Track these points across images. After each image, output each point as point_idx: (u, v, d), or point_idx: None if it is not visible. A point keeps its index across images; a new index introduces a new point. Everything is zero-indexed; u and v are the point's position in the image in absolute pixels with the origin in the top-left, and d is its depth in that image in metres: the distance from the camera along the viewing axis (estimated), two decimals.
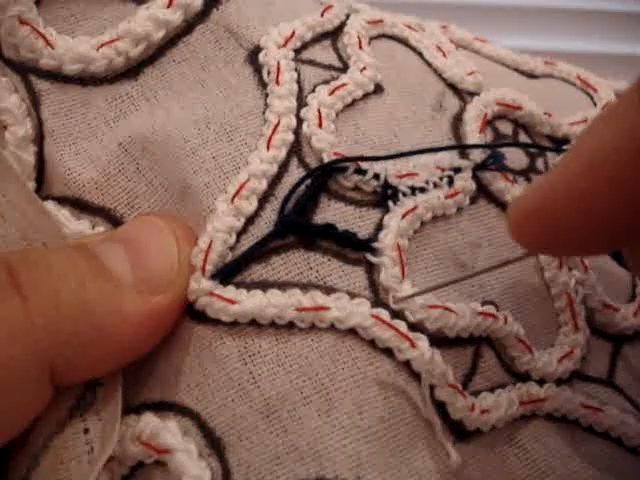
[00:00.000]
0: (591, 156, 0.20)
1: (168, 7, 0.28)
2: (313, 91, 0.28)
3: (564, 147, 0.33)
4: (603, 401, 0.28)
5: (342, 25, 0.31)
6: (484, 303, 0.27)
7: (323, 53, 0.30)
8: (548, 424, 0.27)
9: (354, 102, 0.29)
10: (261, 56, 0.28)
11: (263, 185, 0.26)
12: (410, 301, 0.25)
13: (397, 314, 0.25)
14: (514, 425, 0.26)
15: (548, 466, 0.26)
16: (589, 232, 0.21)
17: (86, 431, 0.24)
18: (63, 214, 0.27)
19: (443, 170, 0.29)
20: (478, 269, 0.28)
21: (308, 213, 0.26)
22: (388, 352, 0.25)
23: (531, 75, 0.37)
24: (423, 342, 0.25)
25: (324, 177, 0.27)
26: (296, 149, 0.27)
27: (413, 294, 0.25)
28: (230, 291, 0.25)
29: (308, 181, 0.26)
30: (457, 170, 0.29)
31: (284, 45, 0.29)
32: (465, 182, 0.29)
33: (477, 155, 0.29)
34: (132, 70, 0.28)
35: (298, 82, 0.28)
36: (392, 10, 0.34)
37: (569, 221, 0.21)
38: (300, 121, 0.27)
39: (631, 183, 0.19)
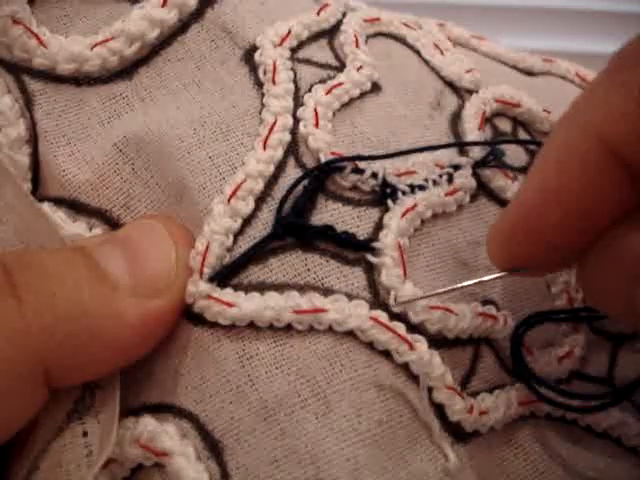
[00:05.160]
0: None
1: (163, 6, 0.28)
2: (310, 90, 0.28)
3: None
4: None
5: (338, 24, 0.31)
6: (485, 302, 0.27)
7: (319, 52, 0.30)
8: (547, 424, 0.27)
9: (351, 101, 0.29)
10: (257, 55, 0.28)
11: (260, 185, 0.26)
12: (412, 302, 0.25)
13: (397, 316, 0.25)
14: (513, 426, 0.26)
15: (547, 466, 0.26)
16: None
17: (85, 434, 0.24)
18: (59, 216, 0.27)
19: (442, 168, 0.28)
20: (479, 268, 0.27)
21: (306, 214, 0.26)
22: (386, 354, 0.25)
23: (529, 72, 0.36)
24: (422, 344, 0.25)
25: (321, 177, 0.26)
26: (293, 149, 0.27)
27: (413, 299, 0.25)
28: (228, 294, 0.25)
29: (305, 181, 0.26)
30: (456, 168, 0.28)
31: (280, 44, 0.28)
32: (465, 179, 0.28)
33: (477, 152, 0.29)
34: (126, 70, 0.28)
35: (294, 81, 0.28)
36: (391, 10, 0.34)
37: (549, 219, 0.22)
38: (297, 121, 0.27)
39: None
